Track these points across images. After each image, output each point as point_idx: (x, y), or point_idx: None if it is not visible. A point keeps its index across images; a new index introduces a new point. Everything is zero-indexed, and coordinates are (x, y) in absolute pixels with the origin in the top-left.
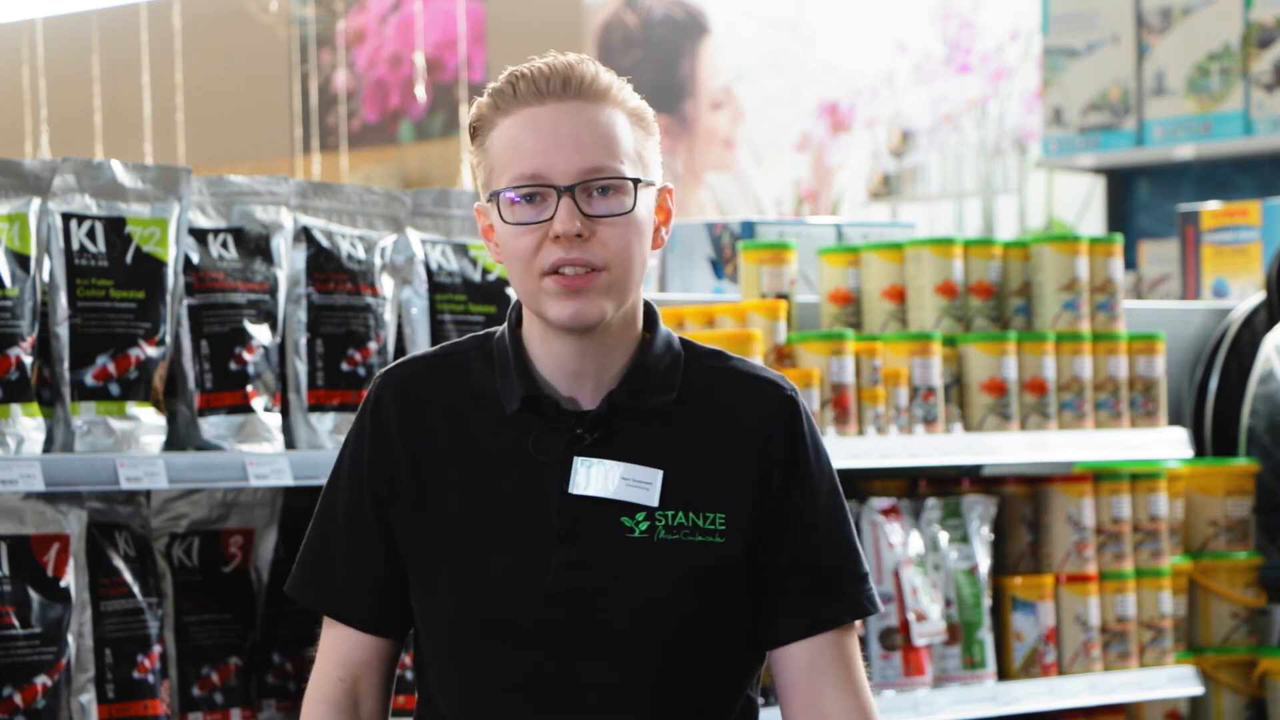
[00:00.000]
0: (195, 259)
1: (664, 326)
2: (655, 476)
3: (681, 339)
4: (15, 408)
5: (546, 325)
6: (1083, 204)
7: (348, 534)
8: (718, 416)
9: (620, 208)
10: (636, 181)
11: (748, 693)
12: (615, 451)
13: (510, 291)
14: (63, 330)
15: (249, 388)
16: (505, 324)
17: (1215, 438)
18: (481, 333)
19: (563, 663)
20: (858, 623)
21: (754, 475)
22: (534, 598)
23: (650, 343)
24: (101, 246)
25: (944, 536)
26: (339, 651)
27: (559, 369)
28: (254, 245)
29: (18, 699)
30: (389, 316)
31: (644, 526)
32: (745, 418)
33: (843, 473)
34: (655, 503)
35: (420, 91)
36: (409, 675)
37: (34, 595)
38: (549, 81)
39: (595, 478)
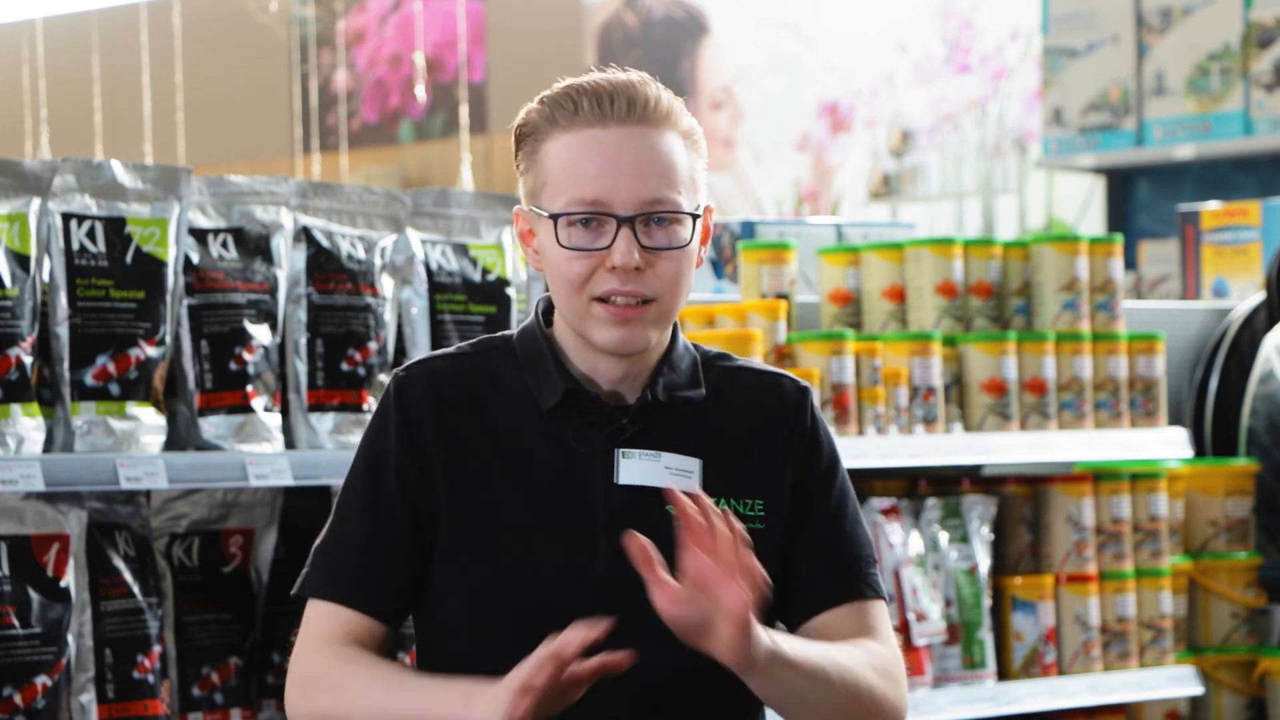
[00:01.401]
0: (195, 259)
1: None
2: (695, 465)
3: (687, 341)
4: (15, 408)
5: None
6: (1083, 204)
7: (367, 525)
8: (742, 411)
9: (677, 241)
10: (695, 217)
11: None
12: (654, 443)
13: (510, 292)
14: (63, 330)
15: (249, 388)
16: (532, 319)
17: (1215, 438)
18: (496, 335)
19: (616, 649)
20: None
21: (782, 465)
22: (587, 586)
23: (674, 342)
24: (101, 246)
25: (944, 536)
26: (334, 625)
27: (596, 373)
28: (254, 245)
29: (18, 699)
30: (389, 316)
31: None
32: (768, 411)
33: None
34: (698, 490)
35: (420, 91)
36: None
37: (34, 595)
38: (614, 102)
39: (639, 468)
